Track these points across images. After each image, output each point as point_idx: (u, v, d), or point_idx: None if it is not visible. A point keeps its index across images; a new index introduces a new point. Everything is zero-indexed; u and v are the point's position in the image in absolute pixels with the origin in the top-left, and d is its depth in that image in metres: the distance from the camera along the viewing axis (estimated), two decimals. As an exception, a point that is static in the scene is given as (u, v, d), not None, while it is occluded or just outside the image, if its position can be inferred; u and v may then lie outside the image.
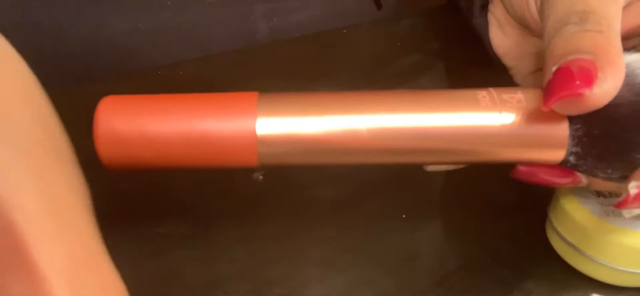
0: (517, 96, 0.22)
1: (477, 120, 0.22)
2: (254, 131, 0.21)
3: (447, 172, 0.32)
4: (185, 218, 0.28)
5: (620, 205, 0.21)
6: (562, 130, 0.22)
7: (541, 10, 0.24)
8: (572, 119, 0.21)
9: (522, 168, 0.23)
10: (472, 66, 0.35)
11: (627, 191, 0.21)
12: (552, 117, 0.21)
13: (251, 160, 0.22)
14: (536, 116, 0.22)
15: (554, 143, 0.22)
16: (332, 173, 0.31)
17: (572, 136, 0.22)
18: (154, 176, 0.31)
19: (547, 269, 0.26)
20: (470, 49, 0.35)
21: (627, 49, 0.22)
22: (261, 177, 0.30)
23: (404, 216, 0.29)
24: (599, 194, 0.26)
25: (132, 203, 0.29)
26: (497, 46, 0.32)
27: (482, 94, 0.22)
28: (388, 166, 0.23)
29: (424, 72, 0.39)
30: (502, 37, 0.31)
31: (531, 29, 0.28)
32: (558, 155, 0.22)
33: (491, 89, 0.22)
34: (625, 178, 0.21)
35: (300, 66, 0.39)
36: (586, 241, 0.25)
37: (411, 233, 0.28)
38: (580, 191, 0.26)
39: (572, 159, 0.22)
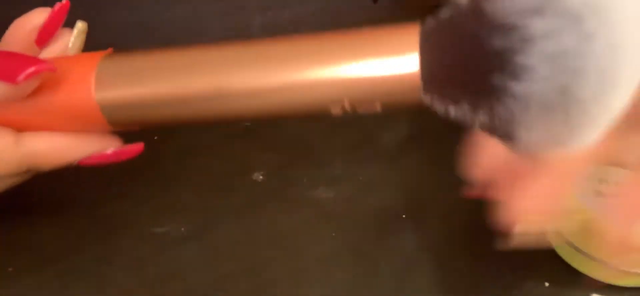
0: None
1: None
2: (92, 98, 0.21)
3: (448, 170, 0.32)
4: (185, 218, 0.28)
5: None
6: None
7: None
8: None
9: None
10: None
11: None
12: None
13: (101, 124, 0.22)
14: None
15: None
16: (332, 173, 0.31)
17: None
18: (154, 176, 0.31)
19: (547, 269, 0.26)
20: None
21: None
22: (261, 177, 0.30)
23: (404, 216, 0.29)
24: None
25: (132, 203, 0.29)
26: None
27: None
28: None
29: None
30: None
31: None
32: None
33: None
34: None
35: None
36: (586, 241, 0.25)
37: (411, 233, 0.28)
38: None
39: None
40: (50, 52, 0.24)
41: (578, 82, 0.16)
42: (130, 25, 0.40)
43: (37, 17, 0.24)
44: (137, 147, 0.24)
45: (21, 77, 0.20)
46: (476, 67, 0.17)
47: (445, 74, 0.18)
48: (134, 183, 0.30)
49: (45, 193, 0.29)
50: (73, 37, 0.24)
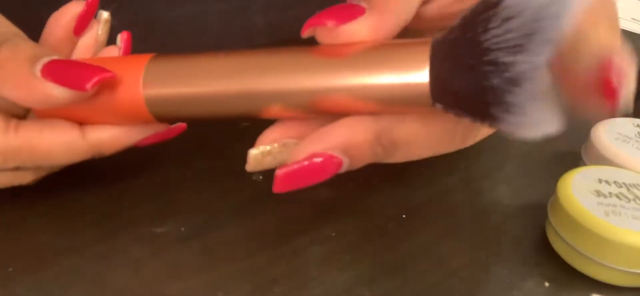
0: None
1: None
2: (141, 97, 0.24)
3: (447, 172, 0.32)
4: (185, 218, 0.28)
5: None
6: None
7: None
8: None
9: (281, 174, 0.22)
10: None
11: None
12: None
13: (148, 119, 0.24)
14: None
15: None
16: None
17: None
18: (154, 176, 0.31)
19: (547, 269, 0.26)
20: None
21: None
22: (261, 177, 0.30)
23: (404, 216, 0.29)
24: (599, 194, 0.26)
25: (132, 203, 0.29)
26: None
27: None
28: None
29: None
30: None
31: None
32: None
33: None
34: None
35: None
36: (586, 241, 0.25)
37: (411, 233, 0.28)
38: (580, 191, 0.26)
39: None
40: (85, 40, 0.28)
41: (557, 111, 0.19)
42: (132, 25, 0.40)
43: (73, 9, 0.27)
44: (181, 125, 0.28)
45: (89, 85, 0.23)
46: (475, 97, 0.19)
47: (449, 95, 0.20)
48: (134, 183, 0.30)
49: (45, 193, 0.29)
50: (101, 26, 0.28)
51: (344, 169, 0.22)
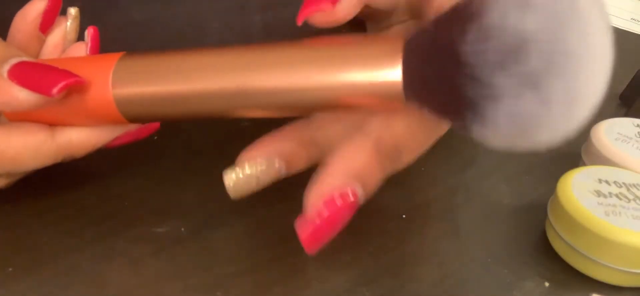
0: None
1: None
2: (110, 97, 0.23)
3: (447, 172, 0.32)
4: (185, 218, 0.28)
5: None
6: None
7: None
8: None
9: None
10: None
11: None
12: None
13: (119, 119, 0.24)
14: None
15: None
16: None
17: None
18: (154, 175, 0.31)
19: (547, 269, 0.26)
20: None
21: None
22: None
23: (403, 216, 0.29)
24: (599, 194, 0.26)
25: (132, 203, 0.29)
26: None
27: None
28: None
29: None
30: None
31: None
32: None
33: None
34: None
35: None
36: (586, 241, 0.25)
37: (411, 233, 0.28)
38: (580, 191, 0.26)
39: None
40: (53, 38, 0.27)
41: (536, 132, 0.19)
42: (130, 24, 0.40)
43: (38, 5, 0.26)
44: (154, 124, 0.27)
45: (55, 90, 0.22)
46: (450, 105, 0.19)
47: (423, 96, 0.20)
48: (134, 183, 0.30)
49: (45, 193, 0.29)
50: (69, 22, 0.27)
51: (361, 198, 0.22)
